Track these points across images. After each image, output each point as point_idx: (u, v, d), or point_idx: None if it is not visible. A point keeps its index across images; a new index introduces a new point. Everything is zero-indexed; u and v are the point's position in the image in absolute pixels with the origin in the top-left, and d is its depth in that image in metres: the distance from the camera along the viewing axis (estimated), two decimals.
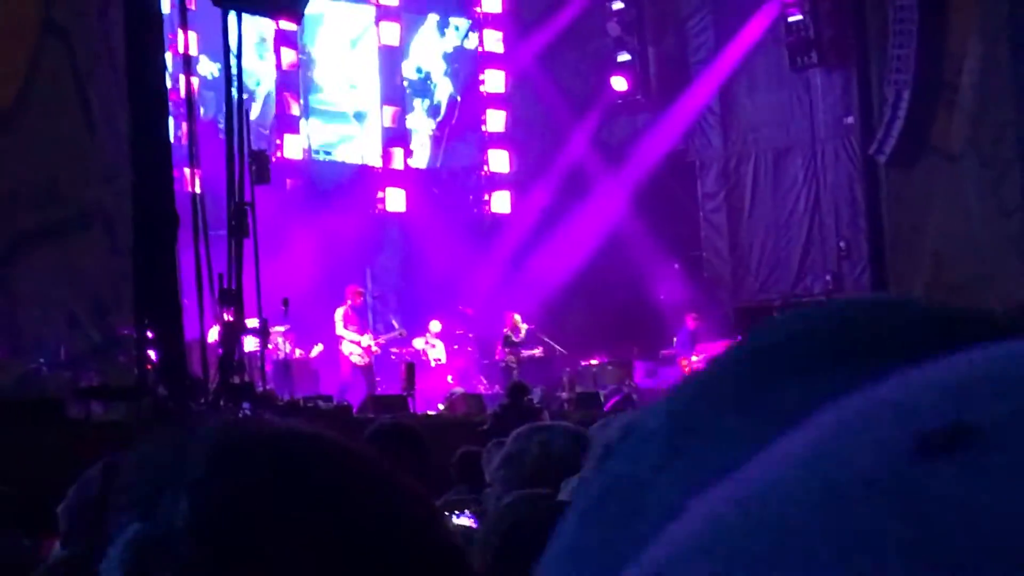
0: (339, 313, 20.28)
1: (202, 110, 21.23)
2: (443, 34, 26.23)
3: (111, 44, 13.81)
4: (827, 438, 0.42)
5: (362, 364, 20.25)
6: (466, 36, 26.34)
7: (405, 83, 25.61)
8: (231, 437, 1.23)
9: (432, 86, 26.16)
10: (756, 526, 0.40)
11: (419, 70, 25.91)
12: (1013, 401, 0.40)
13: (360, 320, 20.63)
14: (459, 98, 26.12)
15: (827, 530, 0.39)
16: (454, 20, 26.29)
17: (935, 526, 0.38)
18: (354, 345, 20.16)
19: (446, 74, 26.28)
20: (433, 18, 26.02)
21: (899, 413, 0.42)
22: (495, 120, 26.09)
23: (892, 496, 0.39)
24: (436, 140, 26.03)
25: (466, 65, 26.26)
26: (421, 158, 25.74)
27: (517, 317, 22.34)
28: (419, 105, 25.92)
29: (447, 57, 26.29)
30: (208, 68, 21.64)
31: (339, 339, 20.21)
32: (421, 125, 25.90)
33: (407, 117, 25.47)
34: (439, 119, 26.12)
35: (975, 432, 0.40)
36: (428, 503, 1.27)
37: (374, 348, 20.63)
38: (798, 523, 0.40)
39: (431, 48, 26.12)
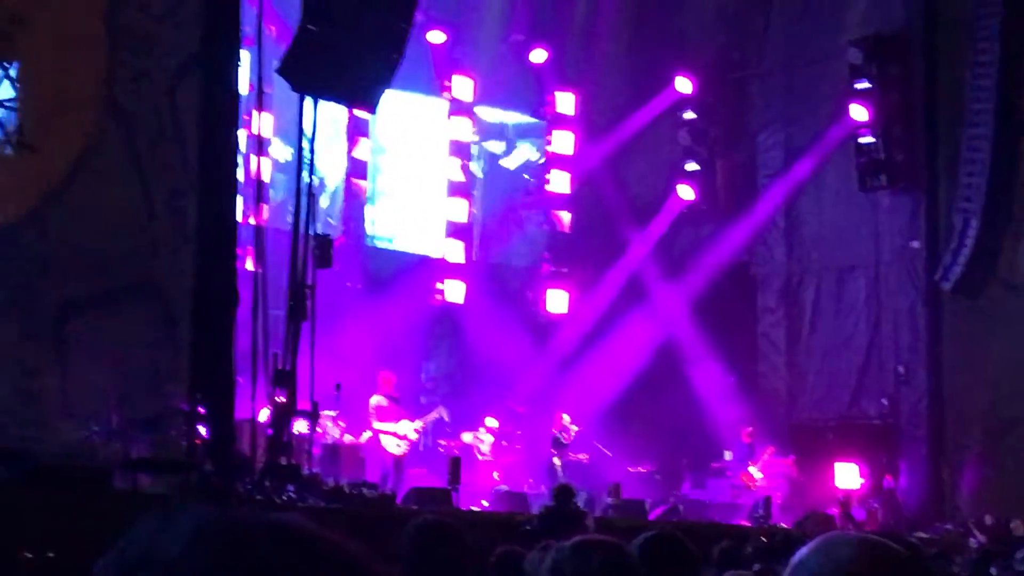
0: (373, 403, 19.93)
1: (272, 192, 21.44)
2: (512, 135, 26.47)
3: (180, 123, 13.98)
4: None
5: (402, 454, 19.96)
6: (536, 138, 26.54)
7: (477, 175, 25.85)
8: (204, 526, 1.25)
9: (490, 182, 26.36)
10: None
11: (482, 167, 26.15)
12: None
13: (395, 407, 20.41)
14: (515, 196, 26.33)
15: None
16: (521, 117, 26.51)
17: None
18: (391, 436, 19.90)
19: (510, 169, 26.48)
20: (502, 113, 26.28)
21: None
22: (557, 220, 26.19)
23: None
24: (492, 235, 26.16)
25: (533, 164, 26.44)
26: (477, 252, 25.90)
27: (567, 418, 22.22)
28: (478, 199, 26.11)
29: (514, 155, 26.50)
30: (281, 152, 21.86)
31: (376, 432, 19.99)
32: (478, 219, 26.07)
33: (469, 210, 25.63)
34: (494, 216, 26.29)
35: None
36: None
37: (411, 436, 20.27)
38: None
39: (498, 146, 26.37)
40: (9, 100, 12.86)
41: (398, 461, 19.95)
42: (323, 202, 23.21)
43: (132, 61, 13.64)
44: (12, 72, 12.83)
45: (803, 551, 2.64)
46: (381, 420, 19.96)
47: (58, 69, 13.13)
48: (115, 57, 13.53)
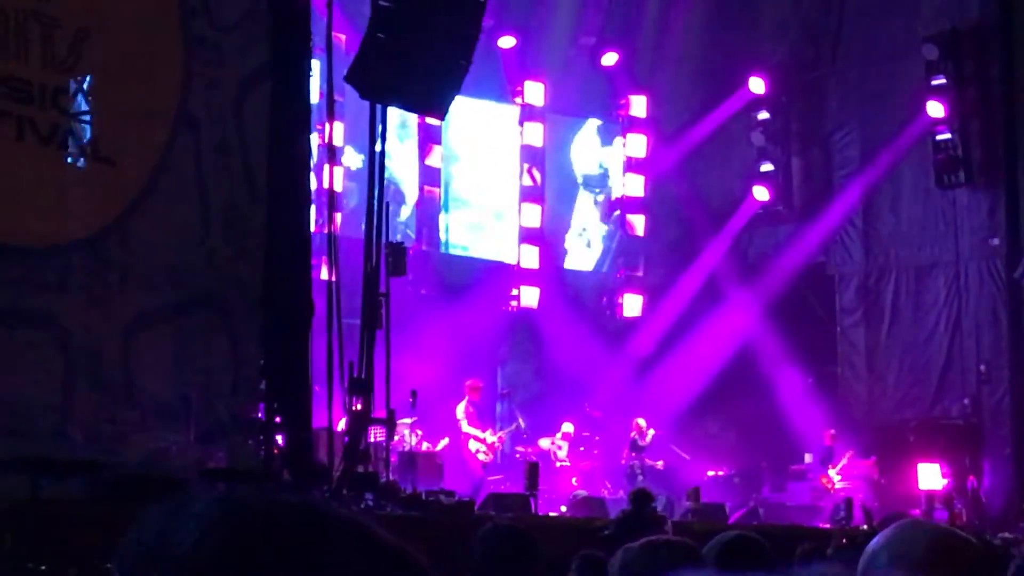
0: (460, 410, 20.22)
1: (345, 201, 21.55)
2: (602, 140, 26.48)
3: (248, 132, 14.02)
4: None
5: (487, 461, 20.20)
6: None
7: (580, 180, 25.95)
8: (217, 512, 1.23)
9: (595, 191, 26.43)
10: None
11: (586, 175, 26.24)
12: None
13: (480, 415, 20.58)
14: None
15: None
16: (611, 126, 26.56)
17: None
18: (479, 443, 20.12)
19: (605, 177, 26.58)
20: (593, 123, 26.31)
21: None
22: (633, 224, 26.10)
23: None
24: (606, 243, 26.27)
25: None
26: (586, 259, 25.94)
27: (643, 422, 22.14)
28: (585, 206, 26.20)
29: (604, 163, 26.53)
30: (353, 160, 21.94)
31: (465, 436, 20.16)
32: (589, 227, 26.16)
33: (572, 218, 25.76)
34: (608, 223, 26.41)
35: None
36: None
37: (498, 445, 20.57)
38: None
39: (593, 152, 26.42)
40: (83, 113, 12.97)
41: (485, 468, 20.11)
42: (403, 213, 23.30)
43: (205, 71, 13.73)
44: (85, 85, 12.94)
45: (878, 539, 2.65)
46: (470, 427, 20.12)
47: (131, 81, 13.22)
48: (189, 67, 13.63)
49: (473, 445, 20.11)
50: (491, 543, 5.23)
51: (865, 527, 18.42)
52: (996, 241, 22.67)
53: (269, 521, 1.20)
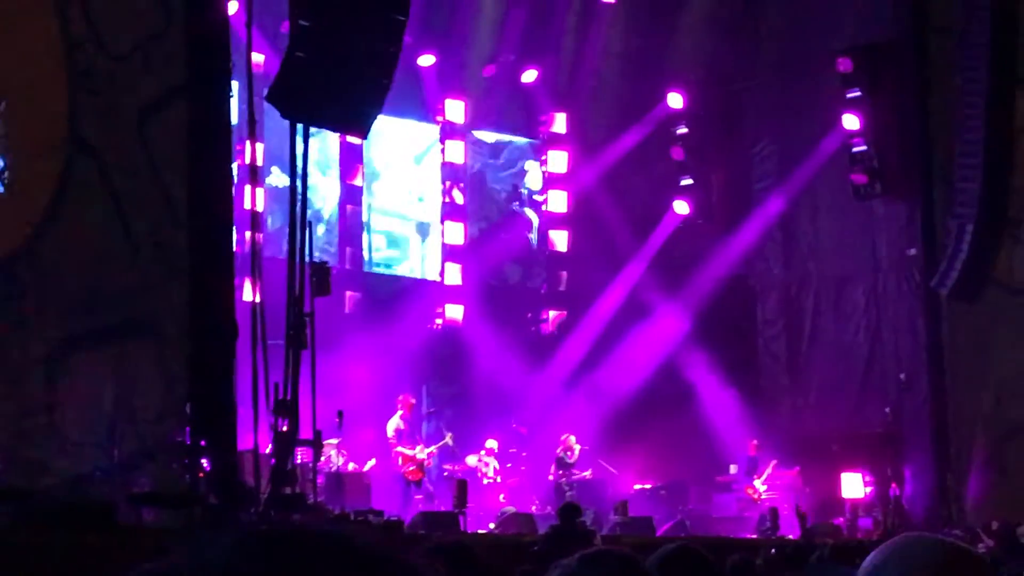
0: (391, 427, 20.16)
1: (270, 220, 21.43)
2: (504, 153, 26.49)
3: (160, 156, 13.94)
4: None
5: (416, 479, 20.14)
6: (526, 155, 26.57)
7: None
8: (248, 535, 1.26)
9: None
10: None
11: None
12: None
13: (412, 432, 20.53)
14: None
15: None
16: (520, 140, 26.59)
17: None
18: (409, 461, 20.06)
19: (500, 190, 26.53)
20: (494, 136, 26.34)
21: None
22: (556, 239, 26.18)
23: None
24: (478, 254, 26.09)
25: (522, 183, 26.51)
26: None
27: (572, 438, 22.19)
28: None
29: (502, 173, 26.54)
30: (280, 180, 21.83)
31: (394, 454, 20.10)
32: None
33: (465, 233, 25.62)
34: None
35: None
36: None
37: (427, 462, 20.53)
38: None
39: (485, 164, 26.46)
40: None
41: (413, 486, 20.07)
42: (319, 230, 23.20)
43: (96, 99, 13.64)
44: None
45: (877, 555, 2.53)
46: (401, 444, 20.05)
47: (20, 112, 13.19)
48: (76, 96, 13.55)
49: (402, 462, 20.07)
50: (436, 561, 5.24)
51: (791, 537, 18.56)
52: (913, 251, 22.96)
53: (301, 547, 1.22)
